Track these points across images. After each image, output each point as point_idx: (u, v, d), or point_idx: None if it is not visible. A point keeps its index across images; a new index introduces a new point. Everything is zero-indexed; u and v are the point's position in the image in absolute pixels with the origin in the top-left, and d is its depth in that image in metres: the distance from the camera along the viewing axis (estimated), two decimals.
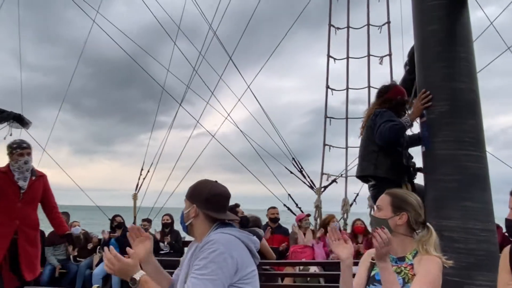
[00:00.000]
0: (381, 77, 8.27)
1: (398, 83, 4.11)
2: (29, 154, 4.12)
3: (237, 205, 5.52)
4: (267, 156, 8.02)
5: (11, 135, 7.92)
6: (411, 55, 4.36)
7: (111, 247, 1.91)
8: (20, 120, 8.04)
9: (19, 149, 4.02)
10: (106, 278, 6.78)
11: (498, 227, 4.46)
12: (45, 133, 8.75)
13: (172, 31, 8.77)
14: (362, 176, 3.89)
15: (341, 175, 7.72)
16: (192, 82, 8.37)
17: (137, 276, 1.75)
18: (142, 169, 8.62)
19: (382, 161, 3.53)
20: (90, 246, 7.50)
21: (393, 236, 1.88)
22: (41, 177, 4.28)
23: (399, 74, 7.32)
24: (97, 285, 6.40)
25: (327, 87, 7.96)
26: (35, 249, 4.08)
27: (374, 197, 3.65)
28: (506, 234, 5.85)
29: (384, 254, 1.75)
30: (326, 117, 7.89)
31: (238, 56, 8.79)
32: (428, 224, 1.96)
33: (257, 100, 8.18)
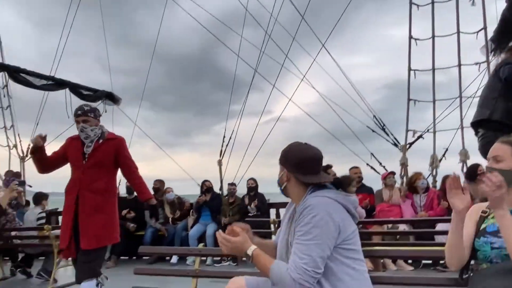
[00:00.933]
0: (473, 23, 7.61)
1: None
2: (84, 121, 3.72)
3: (329, 166, 5.44)
4: (347, 115, 7.96)
5: (105, 111, 8.65)
6: None
7: (220, 231, 2.04)
8: (112, 98, 8.70)
9: (74, 117, 3.80)
10: (200, 238, 7.16)
11: None
12: (129, 130, 9.30)
13: (237, 22, 8.86)
14: (477, 122, 3.84)
15: (428, 130, 7.35)
16: (260, 69, 8.53)
17: (249, 251, 1.89)
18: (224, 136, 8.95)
19: (499, 106, 3.51)
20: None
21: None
22: (111, 140, 3.92)
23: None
24: (202, 244, 6.84)
25: (410, 69, 7.52)
26: (100, 215, 3.68)
27: (483, 148, 3.62)
28: None
29: (499, 198, 1.64)
30: (410, 69, 7.48)
31: (303, 38, 8.71)
32: None
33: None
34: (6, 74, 7.26)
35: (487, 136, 3.60)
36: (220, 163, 8.76)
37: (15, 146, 10.75)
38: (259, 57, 8.51)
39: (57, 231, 6.30)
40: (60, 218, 8.32)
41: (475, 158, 6.67)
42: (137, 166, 4.05)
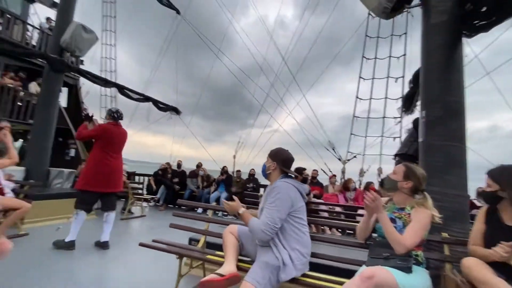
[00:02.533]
0: (395, 92, 7.64)
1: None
2: None
3: (304, 169, 5.48)
4: (312, 141, 8.00)
5: (171, 118, 8.68)
6: (414, 76, 4.06)
7: (224, 200, 2.14)
8: (176, 110, 8.71)
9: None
10: (217, 200, 7.20)
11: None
12: (188, 130, 9.38)
13: (255, 71, 9.04)
14: (398, 154, 3.86)
15: (360, 153, 7.33)
16: (268, 100, 8.62)
17: (240, 211, 1.97)
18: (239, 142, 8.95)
19: (413, 146, 3.55)
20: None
21: (398, 193, 1.83)
22: None
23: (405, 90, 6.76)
24: (216, 203, 6.84)
25: (357, 97, 7.48)
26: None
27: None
28: (476, 201, 5.34)
29: (374, 208, 1.70)
30: (354, 116, 7.46)
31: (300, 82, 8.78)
32: (425, 192, 1.82)
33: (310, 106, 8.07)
34: (116, 89, 7.34)
35: (399, 161, 3.64)
36: (234, 157, 8.80)
37: None
38: (265, 98, 8.54)
39: (133, 184, 6.32)
40: (137, 178, 8.36)
41: (387, 172, 6.74)
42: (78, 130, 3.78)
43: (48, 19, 9.04)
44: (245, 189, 7.22)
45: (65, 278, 2.56)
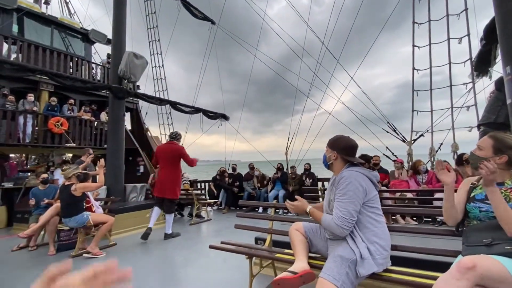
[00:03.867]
0: (460, 54, 6.51)
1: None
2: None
3: (370, 157, 5.39)
4: (368, 122, 7.32)
5: (221, 125, 9.03)
6: (487, 30, 3.40)
7: (287, 200, 2.10)
8: (224, 117, 9.03)
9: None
10: (275, 198, 7.14)
11: None
12: (236, 124, 9.53)
13: (298, 52, 8.60)
14: (485, 123, 3.36)
15: (427, 130, 6.48)
16: (316, 81, 8.12)
17: (308, 209, 1.89)
18: (289, 138, 8.80)
19: (502, 112, 3.08)
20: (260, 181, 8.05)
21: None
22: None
23: (474, 49, 5.75)
24: (276, 201, 6.84)
25: (413, 68, 6.63)
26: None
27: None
28: None
29: (491, 180, 1.39)
30: (413, 90, 6.65)
31: (344, 59, 8.11)
32: None
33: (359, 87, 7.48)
34: (170, 106, 7.93)
35: (486, 131, 3.13)
36: (286, 154, 8.64)
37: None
38: (313, 77, 8.13)
39: (197, 191, 6.73)
40: (199, 185, 8.89)
41: (462, 149, 5.83)
42: (194, 160, 4.76)
43: (108, 55, 10.27)
44: (303, 185, 7.05)
45: (145, 281, 2.80)
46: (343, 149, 1.86)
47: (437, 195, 4.35)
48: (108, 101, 6.55)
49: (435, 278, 1.34)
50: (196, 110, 8.09)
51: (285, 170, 7.94)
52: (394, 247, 1.85)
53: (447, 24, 6.30)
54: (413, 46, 6.62)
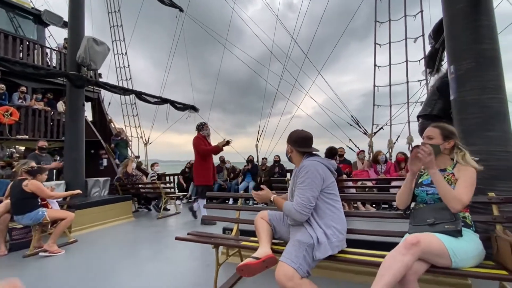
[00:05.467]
0: (417, 54, 7.05)
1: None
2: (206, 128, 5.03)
3: (336, 149, 5.56)
4: (335, 120, 7.72)
5: (189, 116, 8.80)
6: (435, 30, 3.73)
7: (253, 191, 2.14)
8: (194, 108, 8.81)
9: (206, 125, 5.04)
10: (246, 189, 7.24)
11: None
12: (210, 122, 9.44)
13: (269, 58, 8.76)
14: (421, 115, 3.65)
15: (386, 123, 6.94)
16: (284, 86, 8.40)
17: (271, 198, 1.96)
18: (259, 130, 8.90)
19: (437, 106, 3.40)
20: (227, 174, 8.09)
21: (439, 156, 1.71)
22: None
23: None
24: (244, 192, 6.90)
25: (375, 65, 6.99)
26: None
27: (421, 131, 3.54)
28: None
29: (430, 161, 1.56)
30: (374, 85, 7.03)
31: (318, 64, 8.47)
32: (459, 146, 1.72)
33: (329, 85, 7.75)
34: (134, 96, 7.55)
35: (424, 123, 3.44)
36: (256, 146, 8.76)
37: (141, 137, 11.22)
38: (279, 82, 8.34)
39: (164, 185, 6.56)
40: (168, 178, 8.67)
41: (417, 140, 6.37)
42: (205, 148, 4.87)
43: (66, 39, 9.44)
44: (272, 176, 7.21)
45: (110, 276, 2.72)
46: (295, 142, 1.97)
47: (394, 183, 4.71)
48: (65, 89, 6.07)
49: (384, 257, 1.48)
50: (163, 100, 7.81)
51: (255, 162, 8.05)
52: (350, 231, 2.00)
53: (404, 24, 6.72)
54: (375, 43, 6.98)
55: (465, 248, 1.48)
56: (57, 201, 4.11)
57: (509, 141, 2.51)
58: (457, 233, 1.50)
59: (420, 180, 1.80)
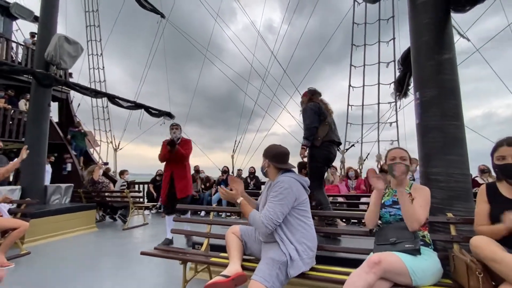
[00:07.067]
0: (388, 78, 7.54)
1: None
2: (176, 129, 4.14)
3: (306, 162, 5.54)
4: None
5: (164, 123, 8.56)
6: (403, 58, 4.03)
7: (222, 185, 2.07)
8: (169, 115, 8.62)
9: (170, 126, 4.18)
10: (219, 201, 7.11)
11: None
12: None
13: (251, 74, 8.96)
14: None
15: (357, 141, 7.27)
16: (263, 102, 8.65)
17: (239, 200, 1.93)
18: (236, 141, 8.89)
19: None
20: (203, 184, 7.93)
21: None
22: (183, 141, 4.21)
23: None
24: (216, 205, 6.78)
25: (349, 85, 7.36)
26: (183, 181, 4.13)
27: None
28: (479, 178, 5.36)
29: (403, 180, 1.68)
30: (348, 104, 7.39)
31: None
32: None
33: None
34: (107, 99, 7.23)
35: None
36: (232, 157, 8.74)
37: (112, 142, 10.73)
38: (257, 95, 8.50)
39: (134, 194, 6.26)
40: (136, 187, 8.29)
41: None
42: (186, 152, 4.15)
43: (32, 34, 8.90)
44: (246, 188, 7.19)
45: None
46: (273, 157, 1.98)
47: (363, 200, 4.89)
48: (30, 87, 5.67)
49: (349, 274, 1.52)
50: (137, 105, 7.56)
51: (230, 173, 7.98)
52: (320, 247, 2.02)
53: (378, 49, 7.18)
54: (350, 65, 7.37)
55: (423, 267, 1.55)
56: (9, 208, 3.76)
57: (466, 164, 2.73)
58: (416, 252, 1.58)
59: (383, 201, 1.88)
